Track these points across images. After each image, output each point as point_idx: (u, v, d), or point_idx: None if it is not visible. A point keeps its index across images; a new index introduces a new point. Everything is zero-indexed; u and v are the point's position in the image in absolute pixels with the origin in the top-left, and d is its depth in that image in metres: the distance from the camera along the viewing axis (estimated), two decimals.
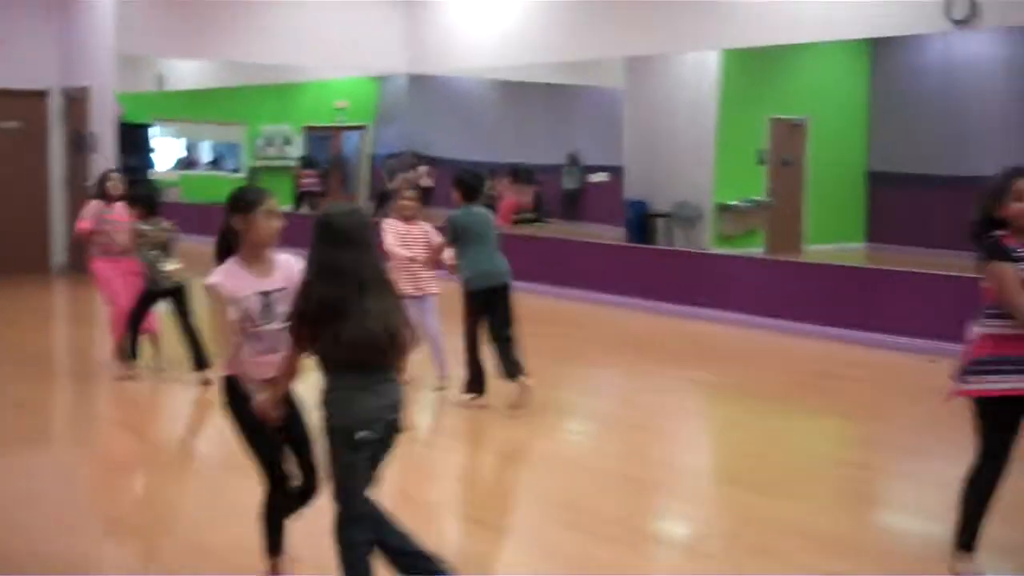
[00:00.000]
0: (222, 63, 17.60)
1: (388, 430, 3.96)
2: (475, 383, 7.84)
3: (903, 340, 10.22)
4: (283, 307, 4.18)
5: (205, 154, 23.93)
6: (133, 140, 20.42)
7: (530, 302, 13.40)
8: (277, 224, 4.26)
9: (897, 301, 10.59)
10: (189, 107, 21.92)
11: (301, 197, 20.05)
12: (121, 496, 6.07)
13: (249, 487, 4.62)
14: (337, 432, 3.88)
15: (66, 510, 5.76)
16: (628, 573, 4.95)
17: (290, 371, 4.15)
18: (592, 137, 17.06)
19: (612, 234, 14.85)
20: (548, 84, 16.78)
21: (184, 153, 23.94)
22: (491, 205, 17.33)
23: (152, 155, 23.01)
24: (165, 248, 8.40)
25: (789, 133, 15.05)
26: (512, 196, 17.51)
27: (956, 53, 14.43)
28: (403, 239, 8.08)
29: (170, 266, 8.40)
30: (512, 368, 7.69)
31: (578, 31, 14.17)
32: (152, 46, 14.80)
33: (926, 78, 14.96)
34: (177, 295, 8.47)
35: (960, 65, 14.44)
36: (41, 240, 14.73)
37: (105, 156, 13.82)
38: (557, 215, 17.47)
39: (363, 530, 3.97)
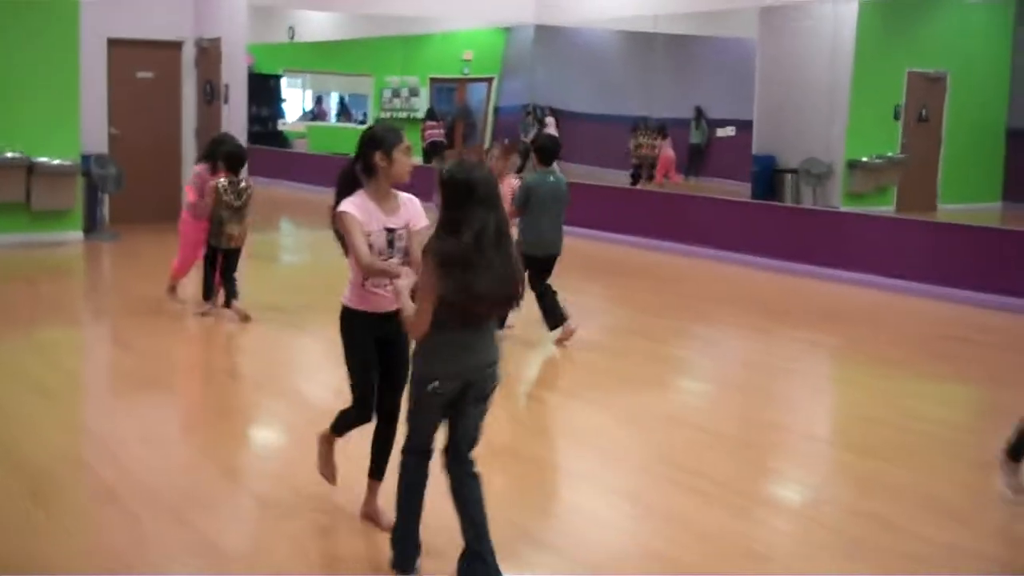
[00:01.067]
0: (350, 14, 17.71)
1: (467, 388, 4.04)
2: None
3: None
4: (405, 243, 4.44)
5: (333, 105, 24.21)
6: (263, 90, 20.86)
7: (653, 259, 13.32)
8: (412, 161, 4.51)
9: None
10: (318, 58, 22.19)
11: (427, 149, 20.06)
12: (235, 443, 6.18)
13: (360, 438, 4.70)
14: (416, 379, 4.07)
15: (182, 452, 5.92)
16: (735, 535, 4.85)
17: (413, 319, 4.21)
18: (720, 90, 16.69)
19: (738, 189, 14.56)
20: (675, 35, 16.45)
21: (312, 104, 24.26)
22: (644, 162, 17.06)
23: (282, 105, 23.45)
24: (236, 211, 8.69)
25: (928, 87, 14.49)
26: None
27: None
28: None
29: (235, 230, 8.72)
30: (557, 319, 8.16)
31: None
32: None
33: None
34: (230, 256, 8.90)
35: None
36: (172, 189, 15.04)
37: (237, 107, 14.10)
38: (683, 170, 17.18)
39: (420, 463, 4.16)
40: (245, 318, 8.82)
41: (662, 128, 16.61)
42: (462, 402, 4.07)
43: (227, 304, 8.97)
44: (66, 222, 13.05)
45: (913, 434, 6.52)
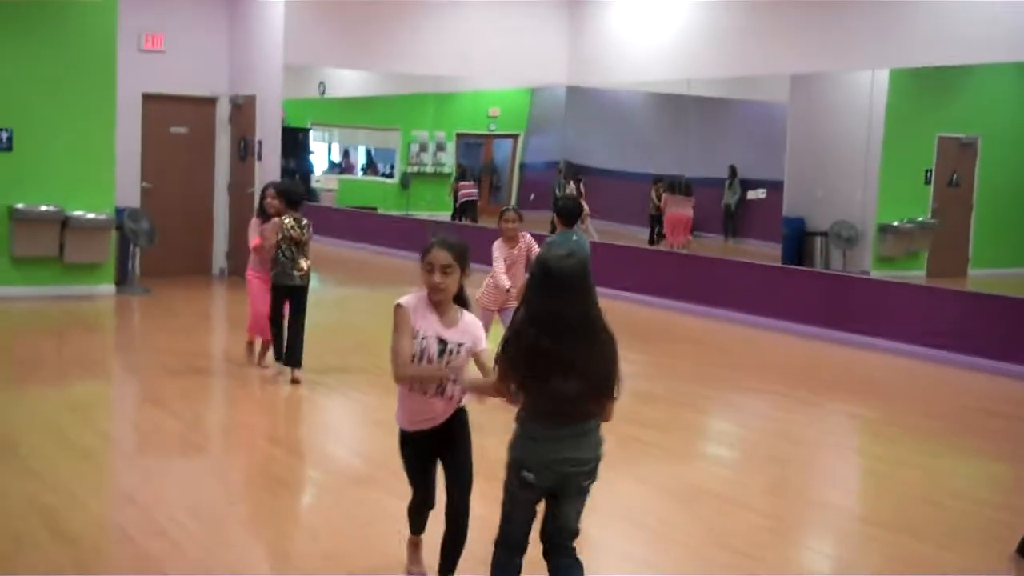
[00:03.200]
0: (380, 73, 17.84)
1: (561, 481, 3.91)
2: None
3: None
4: (458, 362, 4.25)
5: (360, 159, 24.33)
6: (292, 143, 20.98)
7: (682, 322, 13.27)
8: (435, 279, 4.17)
9: None
10: (346, 112, 22.33)
11: (460, 208, 20.13)
12: (283, 518, 6.11)
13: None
14: (510, 465, 3.95)
15: (229, 527, 5.85)
16: None
17: (493, 391, 4.07)
18: (750, 151, 16.71)
19: (769, 251, 14.54)
20: (707, 97, 16.50)
21: (339, 158, 24.38)
22: (657, 217, 17.07)
23: (311, 158, 23.58)
24: (301, 247, 8.79)
25: (958, 152, 14.48)
26: (673, 209, 17.15)
27: None
28: (507, 265, 8.37)
29: (303, 264, 8.79)
30: None
31: (742, 47, 13.95)
32: (317, 56, 15.11)
33: None
34: (299, 293, 8.89)
35: None
36: (204, 244, 15.15)
37: (270, 162, 14.20)
38: (715, 230, 17.14)
39: (510, 558, 4.03)
40: (294, 381, 8.88)
41: (675, 185, 16.58)
42: (560, 495, 3.96)
43: (289, 363, 8.92)
44: (98, 275, 13.11)
45: (948, 512, 6.43)
